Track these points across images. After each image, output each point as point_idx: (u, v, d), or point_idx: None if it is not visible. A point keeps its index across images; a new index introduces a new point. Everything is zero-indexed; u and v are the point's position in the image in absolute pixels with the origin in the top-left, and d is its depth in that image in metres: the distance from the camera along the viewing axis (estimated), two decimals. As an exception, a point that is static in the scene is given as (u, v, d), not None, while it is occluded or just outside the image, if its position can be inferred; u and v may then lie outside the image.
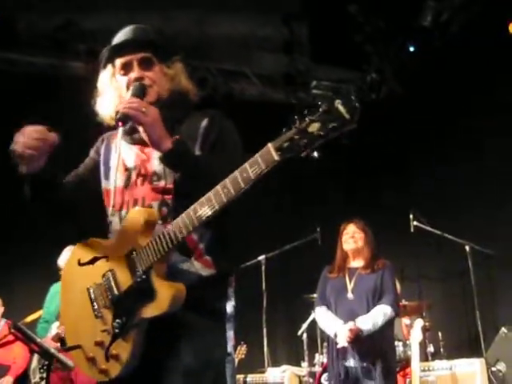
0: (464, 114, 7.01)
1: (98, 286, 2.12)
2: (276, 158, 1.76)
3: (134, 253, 2.02)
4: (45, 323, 5.65)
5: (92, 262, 2.18)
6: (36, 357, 5.09)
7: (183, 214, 1.93)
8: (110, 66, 2.31)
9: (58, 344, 5.13)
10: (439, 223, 6.35)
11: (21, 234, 6.96)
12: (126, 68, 2.25)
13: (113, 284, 2.07)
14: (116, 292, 2.06)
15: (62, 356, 3.96)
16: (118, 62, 2.27)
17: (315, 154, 1.76)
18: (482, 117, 6.76)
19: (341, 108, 1.69)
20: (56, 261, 5.76)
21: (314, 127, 1.71)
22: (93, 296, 2.13)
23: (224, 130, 2.20)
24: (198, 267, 2.09)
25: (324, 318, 4.95)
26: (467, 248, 6.23)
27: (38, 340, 3.90)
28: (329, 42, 7.65)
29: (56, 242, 5.95)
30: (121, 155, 2.27)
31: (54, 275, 5.68)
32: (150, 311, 1.96)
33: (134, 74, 2.22)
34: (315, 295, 5.50)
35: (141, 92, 2.17)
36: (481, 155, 6.69)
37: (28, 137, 2.09)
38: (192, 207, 1.91)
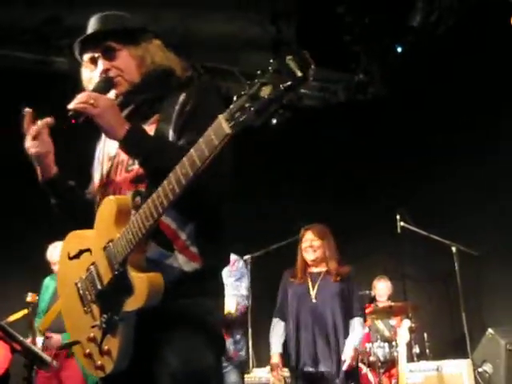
0: (450, 116, 7.04)
1: (83, 281, 2.08)
2: (227, 130, 1.61)
3: (111, 244, 1.96)
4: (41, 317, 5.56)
5: (78, 255, 2.13)
6: None
7: (148, 200, 1.85)
8: (83, 64, 2.29)
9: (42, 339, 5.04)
10: (426, 224, 6.35)
11: (5, 233, 6.85)
12: (94, 63, 2.22)
13: (96, 278, 2.02)
14: (99, 286, 2.01)
15: (44, 355, 3.89)
16: (86, 58, 2.25)
17: (273, 120, 1.62)
18: (468, 118, 6.79)
19: (292, 64, 1.51)
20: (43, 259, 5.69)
21: (265, 91, 1.54)
22: (81, 291, 2.09)
23: (200, 105, 2.07)
24: (182, 262, 1.98)
25: (272, 333, 5.02)
26: (453, 249, 6.25)
27: (21, 339, 3.82)
28: (317, 42, 7.63)
29: (33, 242, 5.88)
30: (105, 146, 2.28)
31: (46, 268, 5.61)
32: (130, 305, 1.90)
33: (100, 68, 2.19)
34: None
35: (102, 86, 2.13)
36: (467, 157, 6.71)
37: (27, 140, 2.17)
38: (155, 193, 1.83)
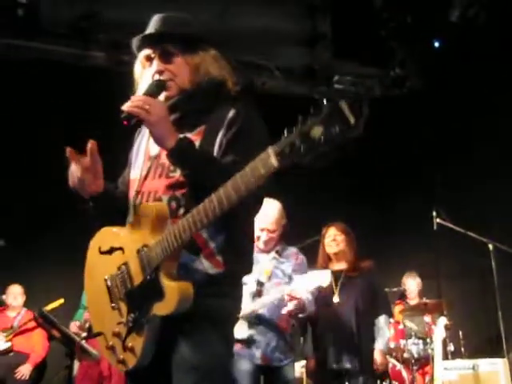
0: (488, 111, 6.96)
1: (113, 278, 2.14)
2: (275, 164, 1.65)
3: (145, 249, 2.02)
4: (83, 308, 5.66)
5: (110, 251, 2.20)
6: None
7: (188, 215, 1.91)
8: (138, 59, 2.32)
9: (85, 333, 5.14)
10: (462, 221, 6.28)
11: (43, 224, 6.97)
12: (150, 61, 2.26)
13: (127, 278, 2.08)
14: (129, 286, 2.07)
15: (86, 345, 3.95)
16: (142, 55, 2.29)
17: (320, 162, 1.59)
18: (506, 114, 6.69)
19: (346, 110, 1.52)
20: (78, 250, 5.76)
21: (316, 131, 1.56)
22: (110, 287, 2.16)
23: (247, 125, 2.12)
24: (207, 266, 2.06)
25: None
26: (490, 246, 6.17)
27: (63, 328, 3.89)
28: (352, 36, 7.58)
29: (77, 232, 5.95)
30: (148, 143, 2.29)
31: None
32: (159, 310, 1.98)
33: (154, 68, 2.22)
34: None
35: (155, 90, 2.16)
36: (506, 152, 6.61)
37: (75, 171, 2.17)
38: (195, 209, 1.88)
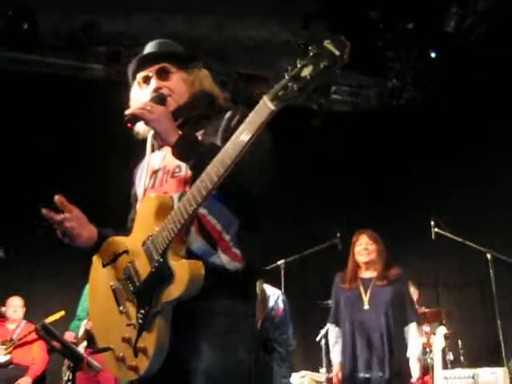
0: (484, 121, 6.98)
1: (120, 281, 2.11)
2: (272, 107, 1.74)
3: (150, 238, 2.02)
4: (78, 320, 5.64)
5: (113, 260, 2.17)
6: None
7: (192, 187, 1.92)
8: (135, 82, 2.39)
9: (85, 342, 5.13)
10: (460, 230, 6.30)
11: (44, 236, 6.96)
12: (147, 81, 2.33)
13: (133, 275, 2.06)
14: (137, 282, 2.04)
15: (89, 358, 3.93)
16: (139, 76, 2.36)
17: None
18: (504, 123, 6.72)
19: (330, 46, 1.67)
20: (79, 262, 5.76)
21: (306, 71, 1.70)
22: (117, 292, 2.12)
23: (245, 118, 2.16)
24: (225, 261, 2.03)
25: (331, 341, 5.06)
26: (488, 256, 6.17)
27: (66, 341, 3.87)
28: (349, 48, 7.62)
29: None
30: (150, 163, 2.33)
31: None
32: (170, 294, 1.92)
33: (152, 86, 2.29)
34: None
35: (158, 100, 2.21)
36: (505, 162, 6.63)
37: (58, 226, 2.16)
38: (198, 179, 1.90)
